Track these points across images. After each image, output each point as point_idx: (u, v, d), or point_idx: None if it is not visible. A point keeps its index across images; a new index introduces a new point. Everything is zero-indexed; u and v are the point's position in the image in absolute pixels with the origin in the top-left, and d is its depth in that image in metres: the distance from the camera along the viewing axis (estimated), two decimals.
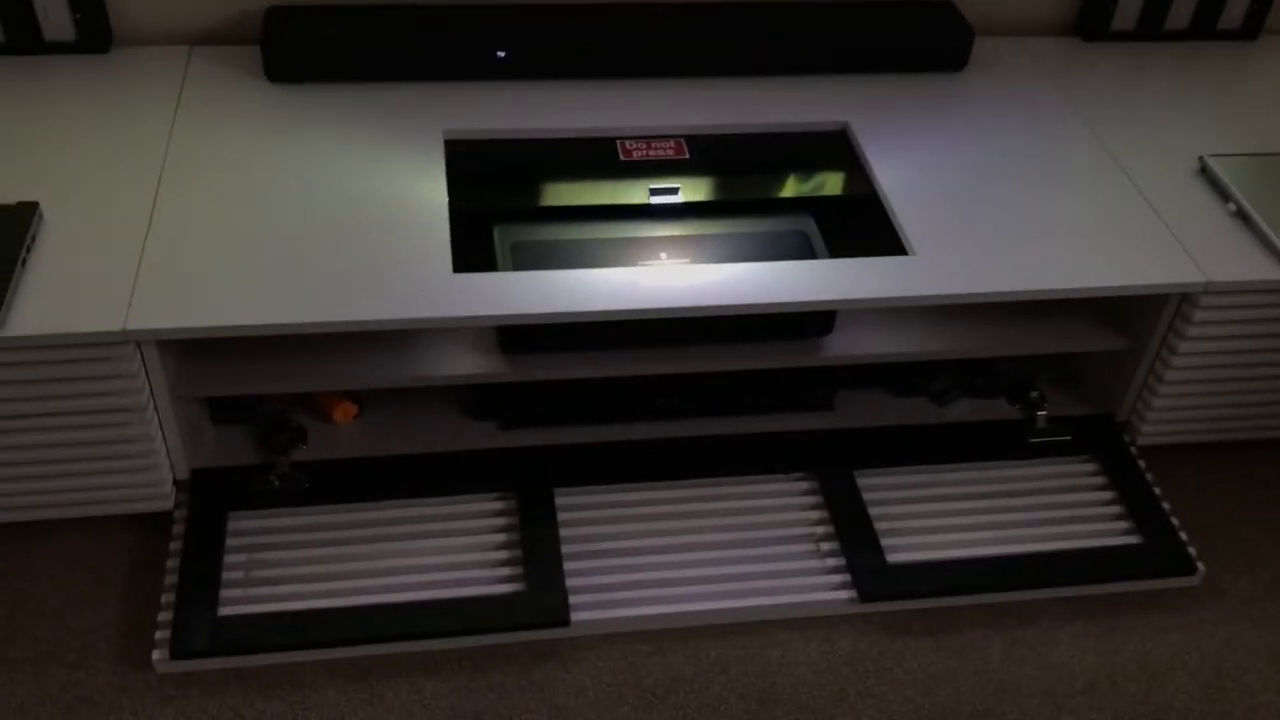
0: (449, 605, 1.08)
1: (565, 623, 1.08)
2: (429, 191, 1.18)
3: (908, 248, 1.16)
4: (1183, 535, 1.20)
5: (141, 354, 1.03)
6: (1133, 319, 1.24)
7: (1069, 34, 1.54)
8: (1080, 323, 1.26)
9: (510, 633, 1.08)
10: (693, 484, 1.21)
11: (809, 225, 1.23)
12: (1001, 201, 1.22)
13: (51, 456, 1.07)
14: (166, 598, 1.08)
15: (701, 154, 1.29)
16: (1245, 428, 1.29)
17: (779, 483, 1.22)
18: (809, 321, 1.18)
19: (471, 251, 1.13)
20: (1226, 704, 1.09)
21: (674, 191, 1.25)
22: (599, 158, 1.27)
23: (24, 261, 1.04)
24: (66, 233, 1.09)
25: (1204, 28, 1.52)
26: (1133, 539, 1.19)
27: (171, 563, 1.10)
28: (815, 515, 1.19)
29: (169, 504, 1.13)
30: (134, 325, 1.00)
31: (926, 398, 1.31)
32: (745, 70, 1.39)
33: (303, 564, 1.11)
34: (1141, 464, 1.27)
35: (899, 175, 1.25)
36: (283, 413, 1.23)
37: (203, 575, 1.09)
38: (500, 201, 1.22)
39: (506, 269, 1.14)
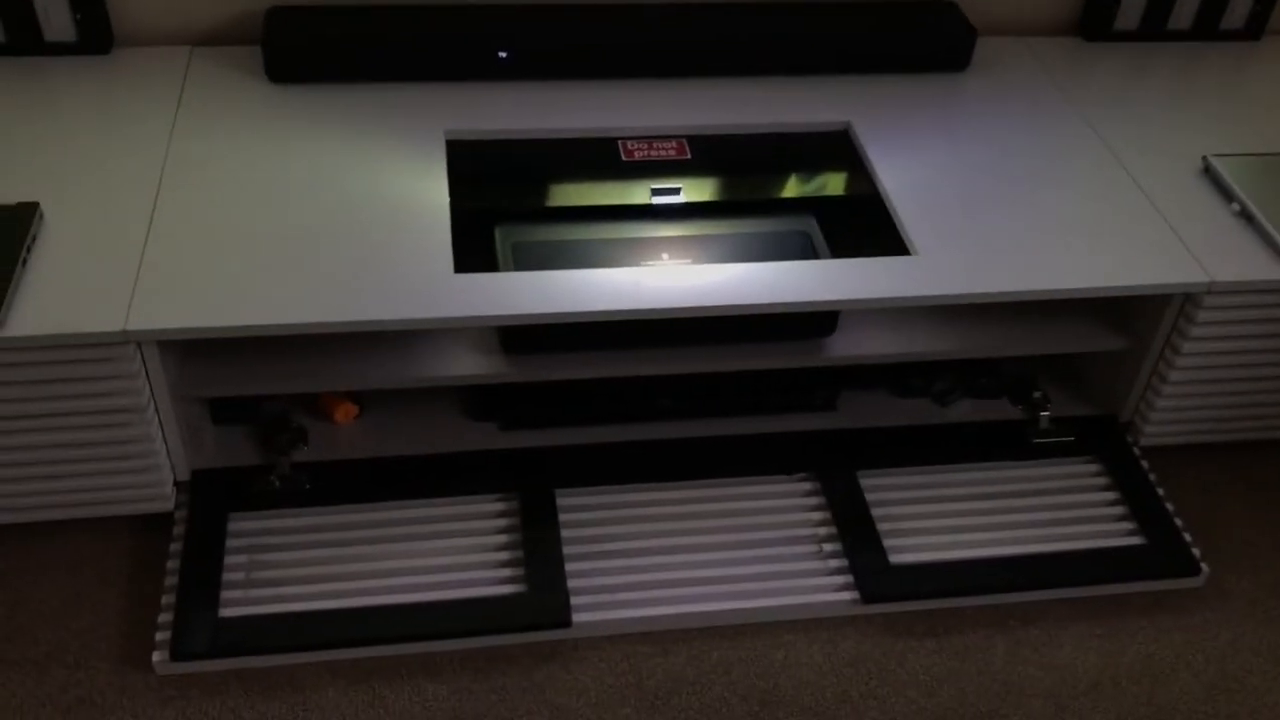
0: (450, 606, 1.08)
1: (567, 624, 1.08)
2: (430, 191, 1.18)
3: (910, 248, 1.16)
4: (1186, 536, 1.19)
5: (142, 354, 1.03)
6: (1136, 319, 1.23)
7: (1071, 34, 1.53)
8: (1083, 323, 1.26)
9: (512, 634, 1.08)
10: (695, 485, 1.21)
11: (811, 225, 1.22)
12: (1004, 201, 1.22)
13: (52, 457, 1.07)
14: (167, 599, 1.07)
15: (703, 154, 1.29)
16: (1249, 428, 1.28)
17: (781, 483, 1.22)
18: (811, 322, 1.18)
19: (473, 252, 1.13)
20: (1231, 705, 1.08)
21: (676, 192, 1.25)
22: (601, 158, 1.27)
23: (24, 262, 1.04)
24: (67, 233, 1.09)
25: (1207, 28, 1.52)
26: (1136, 540, 1.19)
27: (172, 564, 1.10)
28: (818, 516, 1.19)
29: (169, 505, 1.13)
30: (134, 325, 1.00)
31: (929, 398, 1.31)
32: (747, 70, 1.39)
33: (304, 565, 1.11)
34: (1145, 464, 1.26)
35: (901, 175, 1.25)
36: (284, 413, 1.23)
37: (203, 576, 1.08)
38: (501, 201, 1.22)
39: (508, 269, 1.14)
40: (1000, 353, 1.22)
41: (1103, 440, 1.28)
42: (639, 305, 1.07)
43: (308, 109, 1.28)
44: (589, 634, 1.10)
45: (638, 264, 1.14)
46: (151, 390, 1.06)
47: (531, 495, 1.18)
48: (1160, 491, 1.23)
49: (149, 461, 1.09)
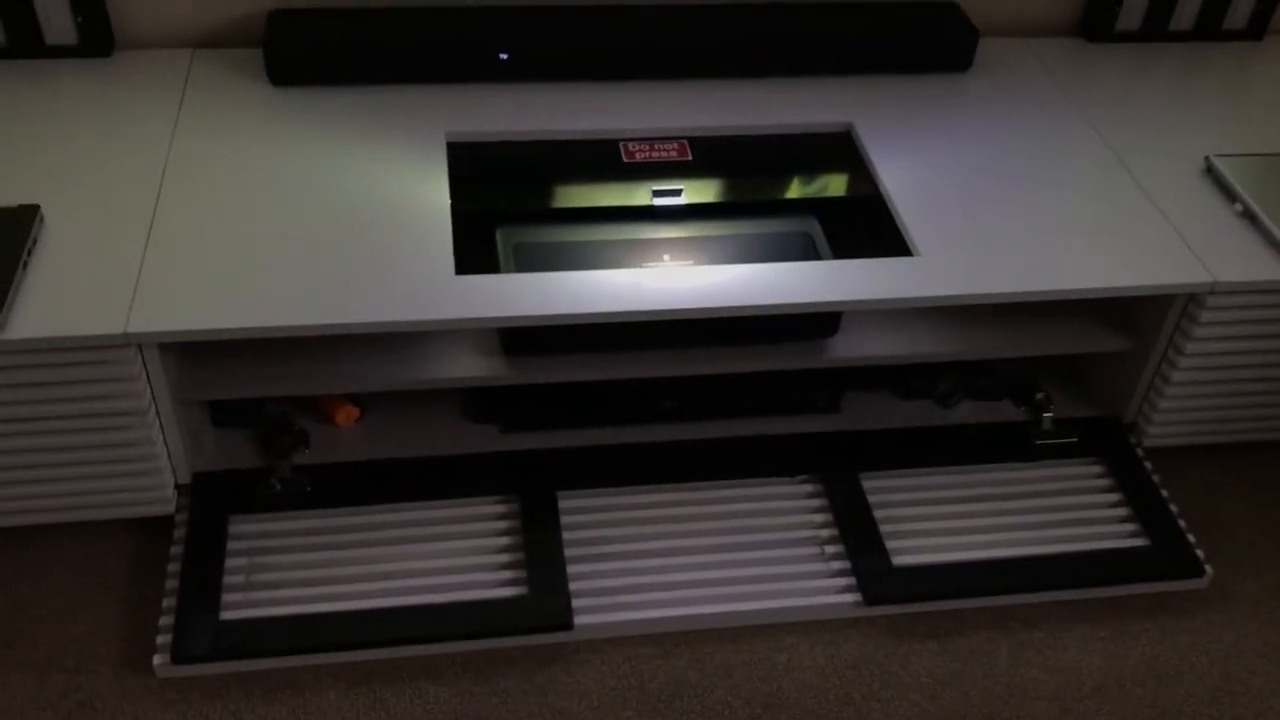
0: (451, 609, 1.08)
1: (568, 626, 1.07)
2: (431, 193, 1.17)
3: (912, 249, 1.15)
4: (1190, 537, 1.19)
5: (143, 357, 1.03)
6: (1139, 320, 1.23)
7: (1073, 34, 1.53)
8: (1086, 324, 1.25)
9: (513, 637, 1.08)
10: (696, 486, 1.21)
11: (813, 226, 1.22)
12: (1006, 202, 1.22)
13: (52, 460, 1.07)
14: (167, 602, 1.07)
15: (705, 155, 1.29)
16: (1253, 429, 1.28)
17: (783, 485, 1.21)
18: (813, 323, 1.18)
19: (474, 253, 1.13)
20: (1235, 707, 1.08)
21: (677, 193, 1.24)
22: (602, 159, 1.27)
23: (25, 264, 1.04)
24: (68, 235, 1.09)
25: (1209, 28, 1.52)
26: (1140, 541, 1.19)
27: (172, 567, 1.10)
28: (820, 518, 1.19)
29: (170, 508, 1.13)
30: (135, 328, 1.00)
31: (931, 400, 1.31)
32: (749, 71, 1.39)
33: (304, 568, 1.11)
34: (1148, 466, 1.26)
35: (903, 176, 1.25)
36: (284, 416, 1.22)
37: (204, 579, 1.08)
38: (502, 203, 1.22)
39: (509, 271, 1.14)
40: (1002, 354, 1.22)
41: (1106, 441, 1.28)
42: (640, 307, 1.07)
43: (309, 111, 1.28)
44: (590, 636, 1.09)
45: (639, 265, 1.14)
46: (152, 393, 1.06)
47: (532, 497, 1.17)
48: (1164, 493, 1.23)
49: (149, 464, 1.09)
